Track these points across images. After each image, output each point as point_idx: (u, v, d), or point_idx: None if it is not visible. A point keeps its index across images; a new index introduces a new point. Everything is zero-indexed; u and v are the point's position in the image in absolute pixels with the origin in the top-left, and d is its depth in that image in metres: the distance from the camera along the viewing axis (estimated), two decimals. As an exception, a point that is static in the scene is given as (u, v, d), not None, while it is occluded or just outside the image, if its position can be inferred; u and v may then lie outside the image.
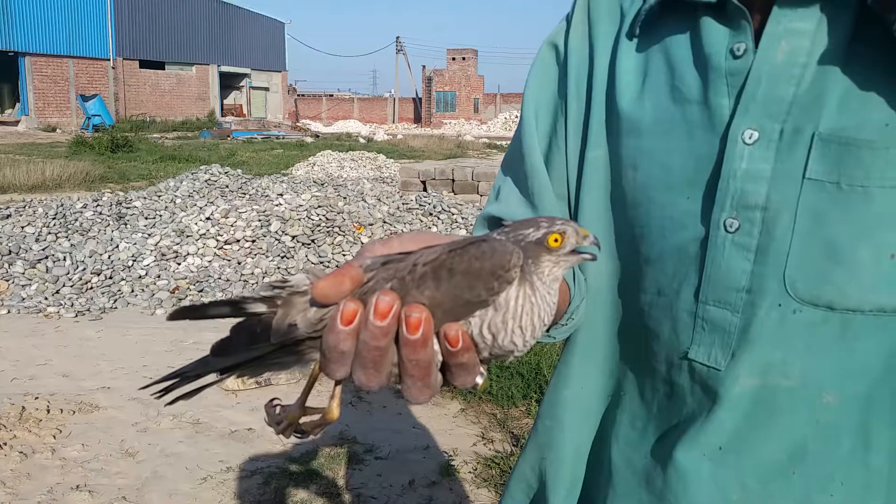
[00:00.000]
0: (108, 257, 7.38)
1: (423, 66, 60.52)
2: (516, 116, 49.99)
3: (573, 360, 1.04)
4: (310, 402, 0.73)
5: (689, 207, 0.87)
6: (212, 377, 0.70)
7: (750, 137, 0.81)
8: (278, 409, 0.72)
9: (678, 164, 0.88)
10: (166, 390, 0.69)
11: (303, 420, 0.72)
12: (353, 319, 0.63)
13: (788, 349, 0.81)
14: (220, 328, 0.67)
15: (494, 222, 1.05)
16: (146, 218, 8.48)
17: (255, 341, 0.67)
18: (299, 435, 0.72)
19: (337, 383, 0.69)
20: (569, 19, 1.04)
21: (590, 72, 0.99)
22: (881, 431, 0.81)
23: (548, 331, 0.94)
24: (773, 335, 0.82)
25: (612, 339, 1.00)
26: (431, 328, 0.63)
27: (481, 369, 0.68)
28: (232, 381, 4.78)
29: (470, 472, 3.79)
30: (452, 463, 3.88)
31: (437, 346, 0.65)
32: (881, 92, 0.76)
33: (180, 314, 0.67)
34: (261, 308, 0.68)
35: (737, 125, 0.82)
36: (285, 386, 4.72)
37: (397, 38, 63.94)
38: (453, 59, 57.42)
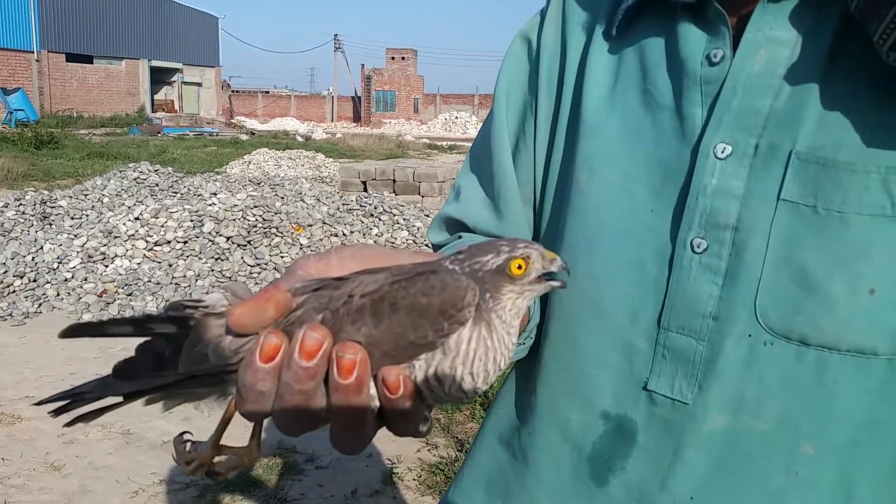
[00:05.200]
0: (32, 259, 7.02)
1: (363, 65, 60.18)
2: (456, 117, 50.12)
3: (518, 384, 0.97)
4: (227, 438, 0.65)
5: (651, 221, 0.80)
6: (114, 399, 0.61)
7: (722, 152, 0.76)
8: (188, 445, 0.63)
9: (643, 173, 0.82)
10: (61, 409, 0.61)
11: (217, 460, 0.63)
12: (274, 356, 0.55)
13: (761, 387, 0.75)
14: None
15: (453, 224, 0.99)
16: (72, 218, 8.11)
17: (161, 367, 0.59)
18: (213, 477, 0.64)
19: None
20: (543, 14, 0.98)
21: (561, 69, 0.93)
22: (864, 490, 0.75)
23: None
24: (744, 369, 0.76)
25: (555, 365, 0.90)
26: (368, 372, 0.55)
27: (425, 414, 0.60)
28: (165, 389, 4.59)
29: (414, 480, 3.73)
30: (396, 470, 3.81)
31: (373, 391, 0.57)
32: (861, 111, 0.71)
33: (74, 332, 0.58)
34: (170, 328, 0.59)
35: (709, 137, 0.77)
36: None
37: (335, 35, 63.30)
38: (392, 58, 57.19)
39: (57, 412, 0.61)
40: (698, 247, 0.77)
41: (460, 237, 0.98)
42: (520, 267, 0.59)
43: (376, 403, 0.57)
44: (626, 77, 0.86)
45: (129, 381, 0.59)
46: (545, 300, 0.90)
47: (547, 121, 0.94)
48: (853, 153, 0.70)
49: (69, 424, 0.62)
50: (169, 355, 0.58)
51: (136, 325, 0.59)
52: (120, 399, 0.61)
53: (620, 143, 0.84)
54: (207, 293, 0.63)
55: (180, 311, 0.59)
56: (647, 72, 0.84)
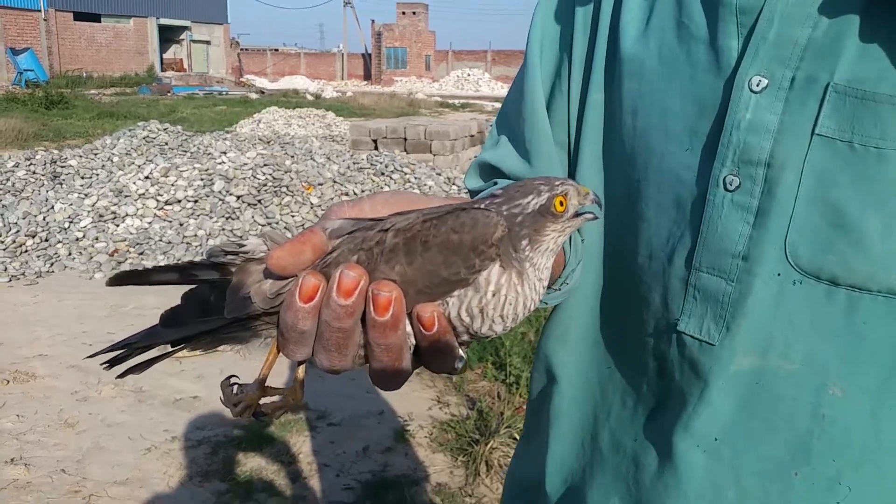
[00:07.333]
0: (44, 219, 7.03)
1: (373, 21, 59.35)
2: (469, 75, 49.50)
3: (558, 325, 0.97)
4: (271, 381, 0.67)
5: (687, 160, 0.78)
6: (162, 349, 0.64)
7: (758, 84, 0.73)
8: (235, 388, 0.66)
9: (678, 109, 0.79)
10: (113, 361, 0.64)
11: (263, 401, 0.66)
12: (313, 296, 0.57)
13: (790, 327, 0.73)
14: (163, 293, 0.60)
15: (488, 170, 0.98)
16: (82, 177, 8.10)
17: (207, 312, 0.62)
18: (259, 417, 0.66)
19: (301, 362, 0.63)
20: None
21: (596, 7, 0.90)
22: (894, 434, 0.73)
23: None
24: (773, 309, 0.74)
25: (597, 305, 0.92)
26: (403, 308, 0.57)
27: (460, 352, 0.61)
28: (177, 347, 4.62)
29: (425, 437, 3.74)
30: (408, 428, 3.82)
31: (409, 328, 0.59)
32: None
33: (121, 279, 0.61)
34: (213, 275, 0.62)
35: (744, 70, 0.74)
36: (234, 353, 4.58)
37: (345, -9, 62.33)
38: (403, 13, 56.32)
39: (110, 364, 0.64)
40: (730, 184, 0.75)
41: (495, 183, 0.97)
42: (561, 203, 0.61)
43: (412, 340, 0.60)
44: (661, 11, 0.83)
45: (176, 329, 0.62)
46: (604, 244, 0.91)
47: (581, 61, 0.92)
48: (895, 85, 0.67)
49: (122, 376, 0.64)
50: (213, 301, 0.61)
51: (181, 271, 0.62)
52: (168, 349, 0.64)
53: (657, 80, 0.81)
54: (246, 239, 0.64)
55: (221, 257, 0.62)
56: (682, 4, 0.81)
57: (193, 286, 0.63)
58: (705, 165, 0.77)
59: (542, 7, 0.97)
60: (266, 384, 0.65)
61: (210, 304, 0.61)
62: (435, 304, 0.58)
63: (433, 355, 0.60)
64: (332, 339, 0.58)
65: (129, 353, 0.64)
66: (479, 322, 0.59)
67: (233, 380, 0.66)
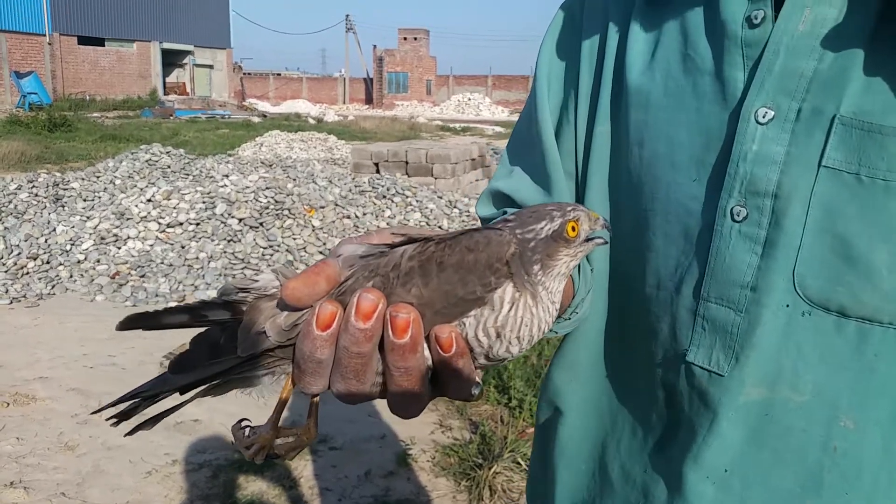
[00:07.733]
0: (45, 241, 7.04)
1: (374, 46, 59.86)
2: (469, 99, 49.74)
3: (567, 354, 0.96)
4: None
5: (694, 191, 0.78)
6: (172, 399, 0.64)
7: (764, 116, 0.73)
8: (247, 431, 0.65)
9: (685, 139, 0.79)
10: (122, 415, 0.63)
11: (277, 442, 0.65)
12: (331, 323, 0.57)
13: (799, 358, 0.73)
14: (167, 314, 0.59)
15: (501, 198, 0.99)
16: (84, 200, 8.12)
17: (218, 354, 0.61)
18: (273, 459, 0.65)
19: (314, 397, 0.63)
20: None
21: (602, 39, 0.91)
22: None
23: None
24: (782, 340, 0.74)
25: (605, 335, 0.92)
26: (421, 330, 0.57)
27: (476, 378, 0.61)
28: (178, 370, 4.59)
29: (428, 461, 3.71)
30: (410, 452, 3.79)
31: (427, 352, 0.59)
32: None
33: (131, 323, 0.61)
34: (223, 315, 0.62)
35: (750, 102, 0.74)
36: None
37: (347, 15, 62.98)
38: (405, 38, 56.81)
39: (118, 419, 0.63)
40: (738, 215, 0.75)
41: (505, 212, 0.97)
42: (573, 229, 0.62)
43: (430, 364, 0.59)
44: (667, 43, 0.83)
45: (186, 374, 0.62)
46: (612, 275, 0.91)
47: (587, 93, 0.92)
48: None
49: (131, 433, 0.63)
50: (224, 342, 0.61)
51: (191, 312, 0.62)
52: (178, 399, 0.64)
53: (663, 111, 0.82)
54: (237, 275, 0.64)
55: (234, 294, 0.63)
56: (688, 37, 0.81)
57: (202, 330, 0.63)
58: (712, 196, 0.77)
59: (548, 40, 0.98)
60: (278, 425, 0.65)
61: (220, 346, 0.61)
62: (452, 325, 0.58)
63: (451, 379, 0.59)
64: (351, 365, 0.57)
65: (138, 402, 0.63)
66: (495, 342, 0.59)
67: (244, 422, 0.66)
